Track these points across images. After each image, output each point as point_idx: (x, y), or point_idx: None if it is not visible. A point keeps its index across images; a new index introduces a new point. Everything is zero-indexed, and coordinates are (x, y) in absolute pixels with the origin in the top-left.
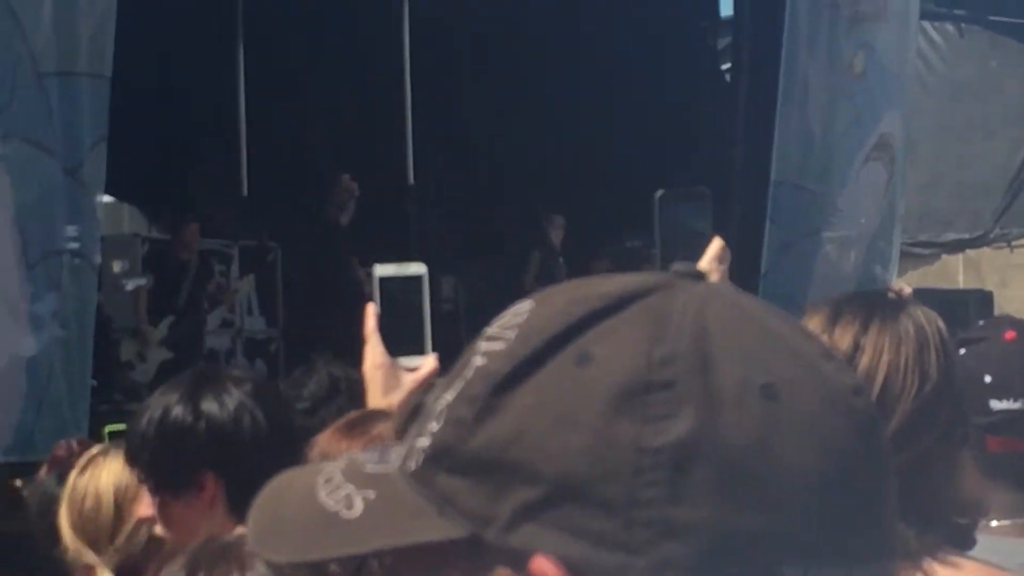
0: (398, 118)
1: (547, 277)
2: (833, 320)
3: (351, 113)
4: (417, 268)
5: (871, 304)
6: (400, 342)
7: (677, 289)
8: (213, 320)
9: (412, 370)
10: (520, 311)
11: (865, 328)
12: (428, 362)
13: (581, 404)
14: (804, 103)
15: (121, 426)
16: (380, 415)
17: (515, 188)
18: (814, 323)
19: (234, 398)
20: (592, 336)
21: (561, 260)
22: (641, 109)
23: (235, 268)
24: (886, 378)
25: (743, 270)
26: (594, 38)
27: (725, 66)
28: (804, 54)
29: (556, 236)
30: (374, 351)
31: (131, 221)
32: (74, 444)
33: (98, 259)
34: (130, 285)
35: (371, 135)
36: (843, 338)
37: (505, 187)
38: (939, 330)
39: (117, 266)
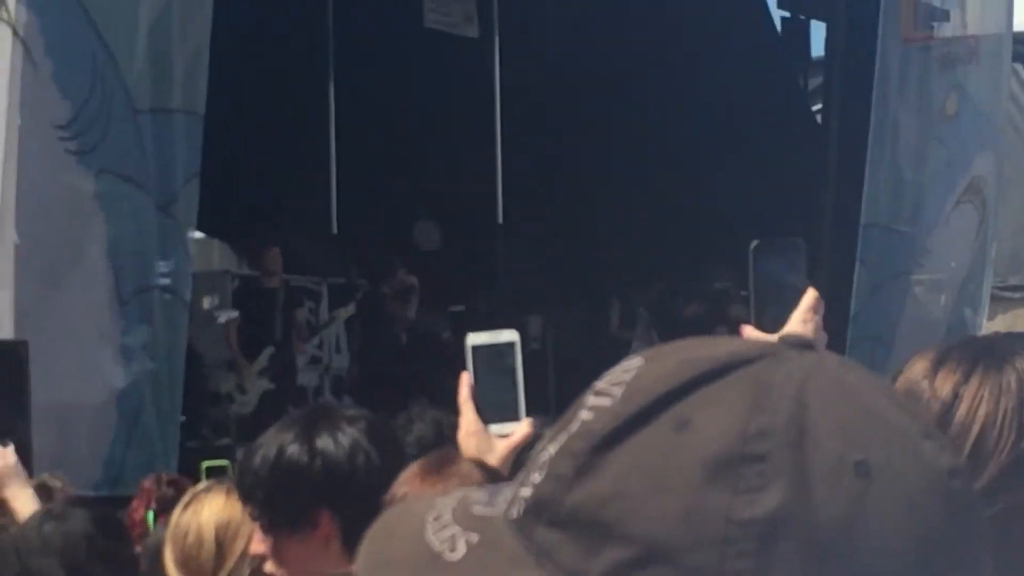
0: (488, 157)
1: (629, 323)
2: (936, 367)
3: (441, 151)
4: (509, 335)
5: (976, 352)
6: (494, 409)
7: (783, 359)
8: (301, 356)
9: (505, 436)
10: (629, 367)
11: (967, 377)
12: (522, 428)
13: (676, 470)
14: (895, 145)
15: (220, 462)
16: (459, 457)
17: (604, 229)
18: (918, 368)
19: (348, 436)
20: (694, 401)
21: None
22: (731, 150)
23: (323, 305)
24: (982, 430)
25: (832, 312)
26: (684, 78)
27: (816, 107)
28: (895, 96)
29: (641, 286)
30: (467, 419)
31: (221, 257)
32: (163, 477)
33: (189, 295)
34: (222, 318)
35: (461, 173)
36: (944, 386)
37: (595, 228)
38: None
39: (207, 302)
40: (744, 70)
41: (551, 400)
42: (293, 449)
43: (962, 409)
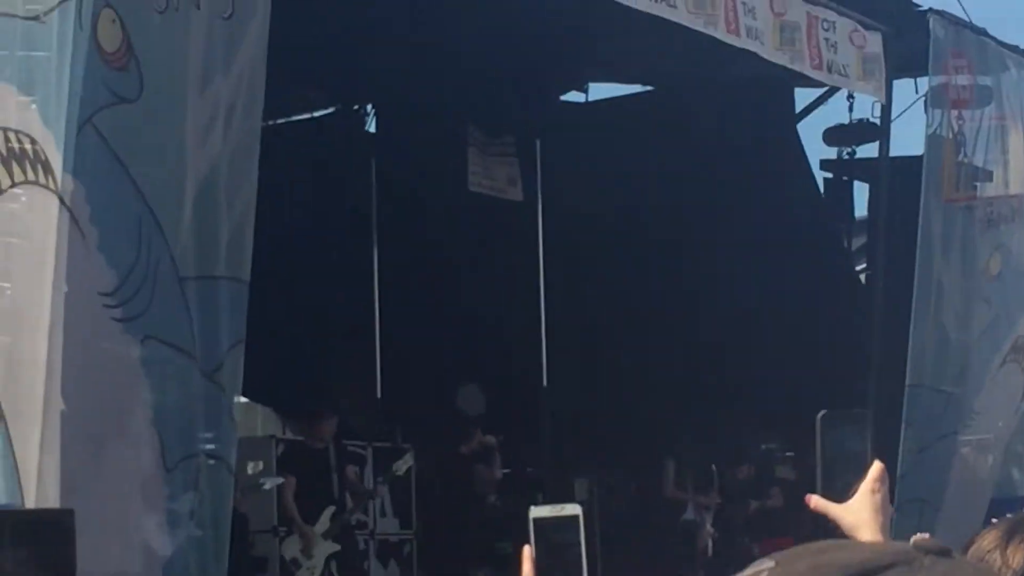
0: (532, 319)
1: (683, 482)
2: (1008, 538)
3: (485, 314)
4: (572, 508)
5: None
6: None
7: (917, 566)
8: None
9: None
10: (761, 570)
11: None
12: None
13: None
14: (939, 305)
15: None
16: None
17: (649, 392)
18: (989, 539)
19: None
20: None
21: (713, 466)
22: (776, 309)
23: (368, 469)
24: None
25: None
26: (727, 237)
27: (860, 267)
28: (938, 256)
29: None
30: None
31: (265, 423)
32: None
33: (234, 461)
34: (268, 484)
35: (505, 336)
36: (1015, 556)
37: (639, 391)
38: None
39: (251, 467)
40: (788, 230)
41: (598, 563)
42: None
43: None
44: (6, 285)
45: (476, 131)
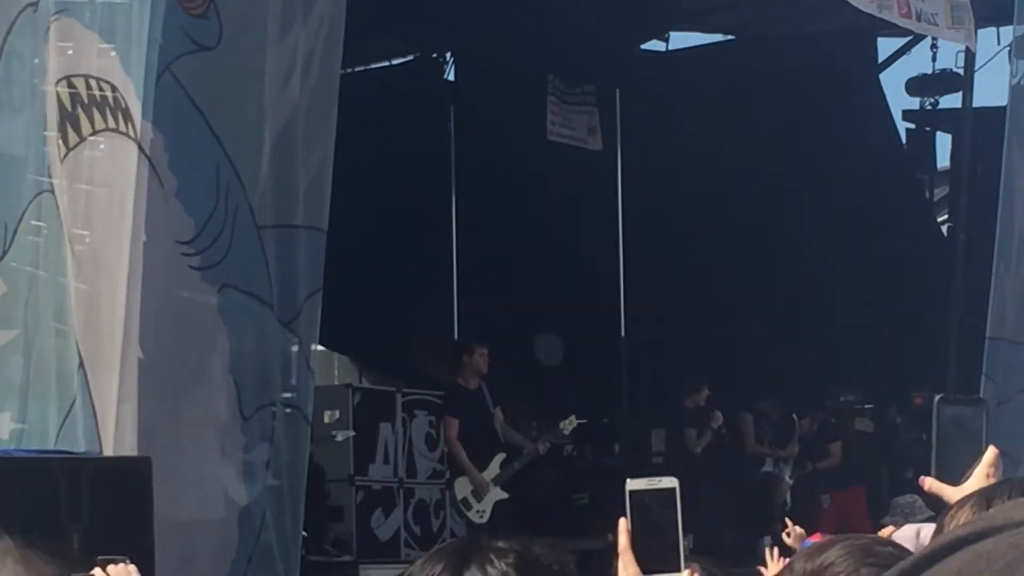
0: (611, 270)
1: (760, 435)
2: (985, 506)
3: (564, 265)
4: (669, 482)
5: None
6: (653, 558)
7: None
8: (423, 471)
9: None
10: None
11: None
12: None
13: None
14: (1021, 260)
15: None
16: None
17: (729, 344)
18: (967, 510)
19: (498, 570)
20: None
21: (794, 416)
22: (857, 259)
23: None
24: None
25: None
26: (810, 189)
27: (942, 218)
28: (1021, 210)
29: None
30: (628, 569)
31: (342, 371)
32: None
33: (311, 411)
34: (340, 437)
35: (584, 287)
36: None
37: (720, 342)
38: None
39: (328, 416)
40: (871, 180)
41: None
42: None
43: None
44: (85, 233)
45: (556, 80)
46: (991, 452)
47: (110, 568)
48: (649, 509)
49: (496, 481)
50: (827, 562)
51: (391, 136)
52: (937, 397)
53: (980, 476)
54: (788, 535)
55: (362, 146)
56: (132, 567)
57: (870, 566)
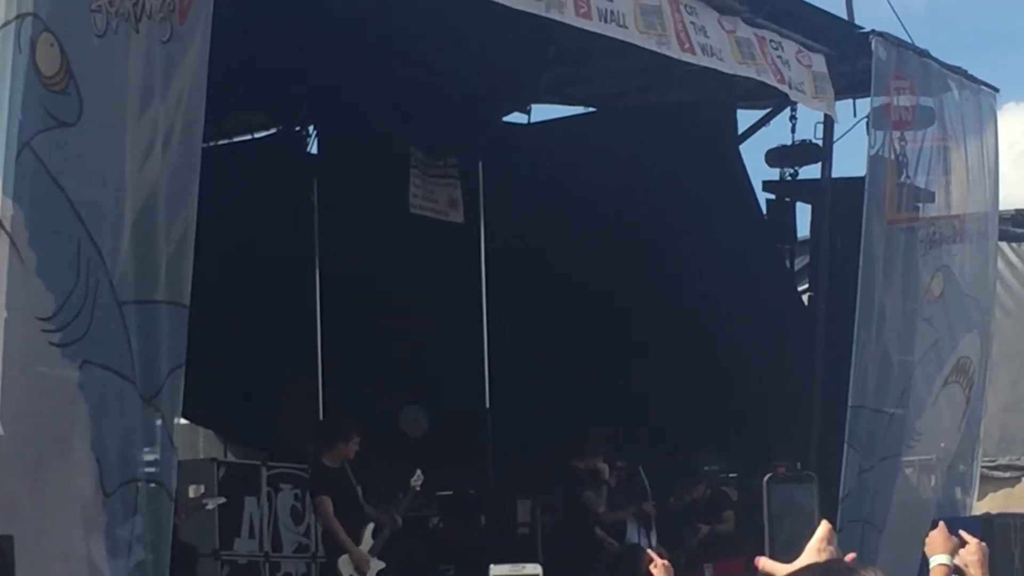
0: (475, 340)
1: (618, 500)
2: None
3: (428, 336)
4: (533, 568)
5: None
6: None
7: None
8: (289, 544)
9: None
10: None
11: None
12: None
13: None
14: (881, 327)
15: None
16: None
17: (589, 412)
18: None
19: None
20: None
21: (641, 473)
22: (718, 328)
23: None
24: None
25: (823, 496)
26: (669, 259)
27: (803, 287)
28: (880, 277)
29: (608, 474)
30: None
31: (207, 445)
32: None
33: (174, 485)
34: (210, 504)
35: (448, 357)
36: None
37: (580, 413)
38: None
39: (193, 490)
40: (733, 250)
41: None
42: None
43: None
44: None
45: (418, 152)
46: (824, 527)
47: None
48: None
49: (373, 552)
50: None
51: (254, 208)
52: (766, 477)
53: (812, 550)
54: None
55: (226, 219)
56: None
57: None
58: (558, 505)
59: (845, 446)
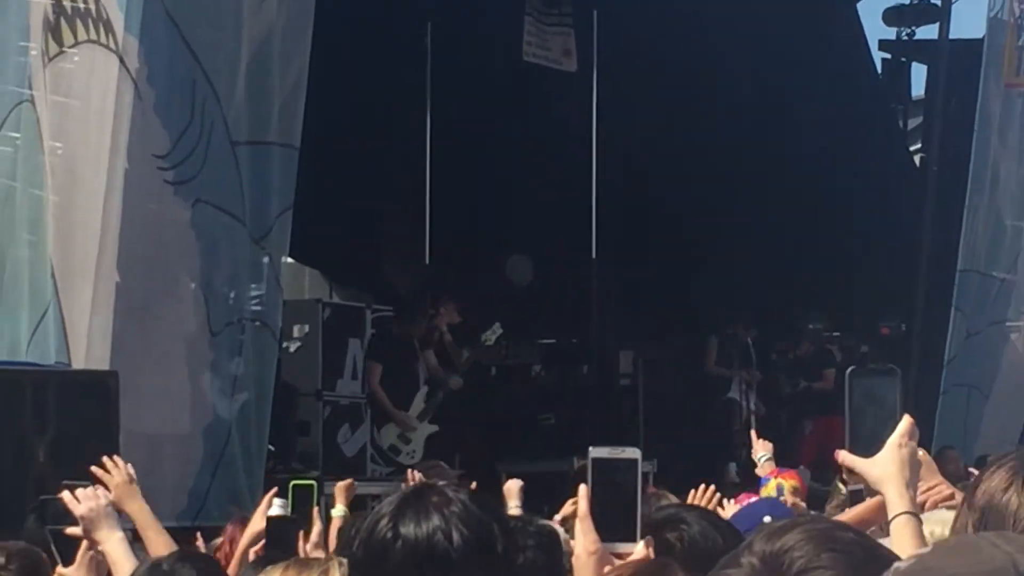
0: (583, 191)
1: (727, 360)
2: (1019, 476)
3: (536, 185)
4: (632, 452)
5: None
6: (611, 527)
7: None
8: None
9: (621, 556)
10: None
11: None
12: (640, 550)
13: None
14: (994, 191)
15: (307, 481)
16: (667, 567)
17: (699, 266)
18: (998, 479)
19: (434, 519)
20: None
21: (749, 341)
22: (829, 188)
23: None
24: None
25: (928, 358)
26: (783, 116)
27: (915, 147)
28: (995, 141)
29: (741, 331)
30: (587, 536)
31: (312, 285)
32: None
33: (279, 324)
34: (292, 348)
35: (556, 208)
36: None
37: (689, 265)
38: None
39: (297, 330)
40: (846, 109)
41: (640, 437)
42: (379, 529)
43: None
44: (58, 144)
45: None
46: (905, 422)
47: (79, 492)
48: (610, 478)
49: (423, 416)
50: (787, 546)
51: (367, 51)
52: (849, 370)
53: (892, 446)
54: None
55: (336, 63)
56: (101, 491)
57: (830, 551)
58: (664, 357)
59: (952, 309)
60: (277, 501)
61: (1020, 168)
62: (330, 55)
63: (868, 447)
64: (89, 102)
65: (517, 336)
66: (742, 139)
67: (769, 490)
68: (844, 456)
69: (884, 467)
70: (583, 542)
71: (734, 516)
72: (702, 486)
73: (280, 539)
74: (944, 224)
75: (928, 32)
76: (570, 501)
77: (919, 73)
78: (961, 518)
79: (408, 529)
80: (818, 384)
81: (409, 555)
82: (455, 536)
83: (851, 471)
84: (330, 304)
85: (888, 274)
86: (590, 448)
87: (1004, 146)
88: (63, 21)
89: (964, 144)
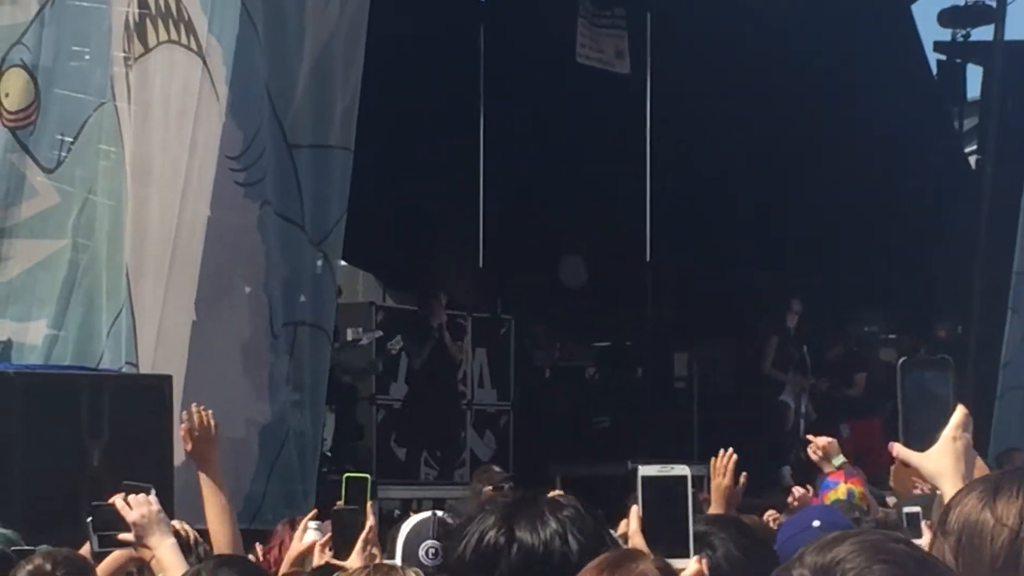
0: (637, 193)
1: (783, 362)
2: (994, 494)
3: (590, 187)
4: (681, 469)
5: None
6: (663, 543)
7: None
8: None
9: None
10: None
11: None
12: (692, 566)
13: None
14: None
15: (361, 474)
16: (641, 555)
17: (754, 269)
18: (971, 501)
19: (550, 525)
20: None
21: (805, 347)
22: (884, 188)
23: (468, 340)
24: None
25: (985, 361)
26: (839, 116)
27: (970, 149)
28: None
29: (792, 320)
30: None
31: (366, 288)
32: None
33: (332, 328)
34: (364, 340)
35: (609, 210)
36: (1007, 511)
37: (743, 268)
38: None
39: (351, 333)
40: (901, 110)
41: (695, 440)
42: (492, 535)
43: None
44: (141, 145)
45: (587, 2)
46: (960, 413)
47: (131, 498)
48: (661, 494)
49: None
50: (838, 558)
51: (421, 53)
52: (900, 361)
53: (947, 439)
54: (815, 452)
55: (392, 66)
56: (153, 496)
57: (882, 563)
58: (719, 358)
59: (1008, 312)
60: (312, 525)
61: None
62: (384, 57)
63: (921, 440)
64: (170, 102)
65: (572, 338)
66: (797, 141)
67: (839, 494)
68: (899, 449)
69: (939, 461)
70: None
71: (787, 523)
72: (721, 450)
73: (344, 530)
74: (1000, 226)
75: (983, 33)
76: (624, 521)
77: (974, 74)
78: (936, 546)
79: (524, 534)
80: (850, 390)
81: (524, 560)
82: (572, 542)
83: (904, 466)
84: (383, 307)
85: (944, 276)
86: (639, 467)
87: None
88: (148, 22)
89: (1020, 145)
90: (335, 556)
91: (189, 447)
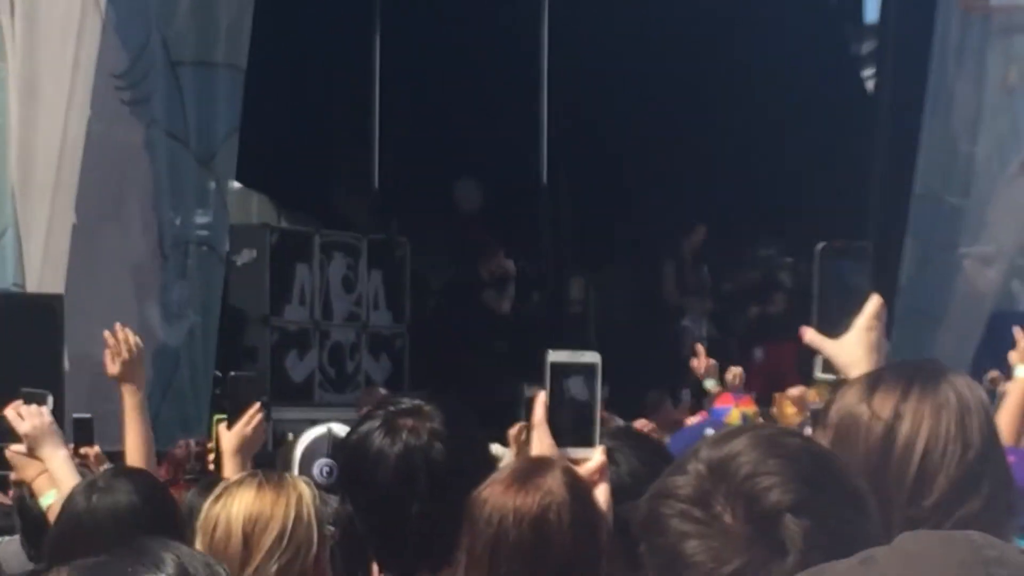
0: (533, 115)
1: (683, 287)
2: (872, 390)
3: (485, 109)
4: (591, 356)
5: (910, 373)
6: (569, 433)
7: None
8: (340, 313)
9: (578, 463)
10: None
11: (905, 396)
12: (597, 456)
13: None
14: (949, 115)
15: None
16: (549, 465)
17: (651, 193)
18: (852, 394)
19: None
20: None
21: (705, 268)
22: (780, 114)
23: (363, 262)
24: (927, 445)
25: (881, 284)
26: (733, 40)
27: (867, 73)
28: (952, 64)
29: (693, 246)
30: (543, 442)
31: (261, 210)
32: (192, 444)
33: (226, 249)
34: (239, 261)
35: (505, 132)
36: (883, 407)
37: (640, 191)
38: (981, 398)
39: (246, 255)
40: (796, 34)
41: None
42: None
43: (904, 427)
44: (23, 62)
45: None
46: (874, 302)
47: (23, 409)
48: (569, 383)
49: None
50: (734, 451)
51: None
52: (818, 246)
53: (860, 329)
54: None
55: None
56: (44, 408)
57: (777, 457)
58: (616, 283)
59: (907, 236)
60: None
61: (977, 92)
62: None
63: (834, 327)
64: (52, 19)
65: (467, 261)
66: (694, 61)
67: (733, 420)
68: (812, 336)
69: (852, 351)
70: (539, 449)
71: (677, 434)
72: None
73: (238, 396)
74: (897, 150)
75: None
76: (519, 425)
77: None
78: (815, 439)
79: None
80: (771, 308)
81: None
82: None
83: (814, 354)
84: (278, 229)
85: (841, 201)
86: (548, 351)
87: (960, 69)
88: None
89: (918, 69)
90: (228, 423)
91: (116, 370)
